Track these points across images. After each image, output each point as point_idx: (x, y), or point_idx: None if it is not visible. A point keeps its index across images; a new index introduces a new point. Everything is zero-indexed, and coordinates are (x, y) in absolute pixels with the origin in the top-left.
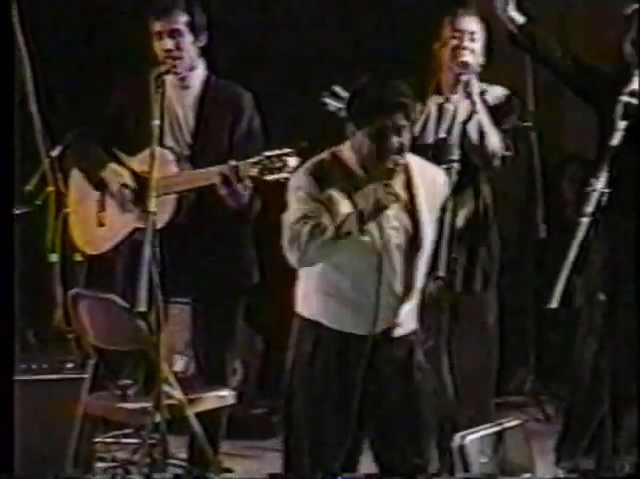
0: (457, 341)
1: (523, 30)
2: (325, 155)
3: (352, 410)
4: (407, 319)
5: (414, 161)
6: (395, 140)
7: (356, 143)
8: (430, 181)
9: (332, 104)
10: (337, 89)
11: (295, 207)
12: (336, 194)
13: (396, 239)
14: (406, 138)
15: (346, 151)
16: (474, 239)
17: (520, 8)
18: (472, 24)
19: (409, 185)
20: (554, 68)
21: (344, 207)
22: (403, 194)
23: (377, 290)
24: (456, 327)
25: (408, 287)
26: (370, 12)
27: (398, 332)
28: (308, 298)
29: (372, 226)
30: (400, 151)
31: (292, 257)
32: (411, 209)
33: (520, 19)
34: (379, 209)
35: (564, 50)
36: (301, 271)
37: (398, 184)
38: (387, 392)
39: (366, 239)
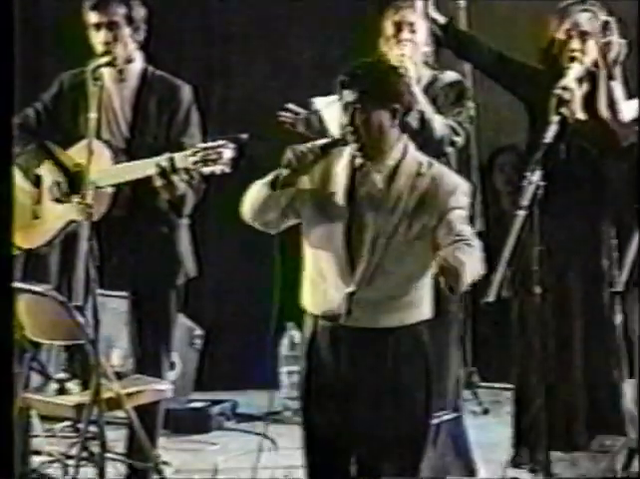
0: None
1: (447, 30)
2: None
3: (323, 398)
4: (371, 310)
5: (415, 162)
6: (356, 119)
7: None
8: (427, 187)
9: (287, 120)
10: (290, 106)
11: None
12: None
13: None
14: (375, 121)
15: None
16: None
17: (439, 9)
18: (410, 15)
19: (390, 180)
20: (480, 65)
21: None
22: (381, 186)
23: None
24: None
25: (357, 279)
26: (317, 9)
27: (345, 321)
28: None
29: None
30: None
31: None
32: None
33: (442, 19)
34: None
35: (489, 47)
36: None
37: (378, 177)
38: (360, 382)
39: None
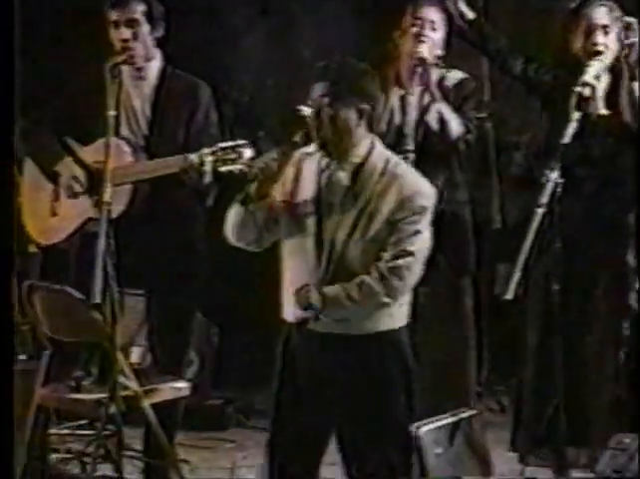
0: (432, 328)
1: (473, 25)
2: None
3: (291, 399)
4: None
5: (382, 160)
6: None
7: None
8: (389, 188)
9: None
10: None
11: None
12: None
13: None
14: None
15: None
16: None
17: (470, 3)
18: (433, 13)
19: (355, 175)
20: (502, 64)
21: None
22: (346, 182)
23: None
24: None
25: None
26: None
27: (312, 325)
28: None
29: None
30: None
31: None
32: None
33: (470, 14)
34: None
35: (513, 47)
36: None
37: (343, 175)
38: (337, 385)
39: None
